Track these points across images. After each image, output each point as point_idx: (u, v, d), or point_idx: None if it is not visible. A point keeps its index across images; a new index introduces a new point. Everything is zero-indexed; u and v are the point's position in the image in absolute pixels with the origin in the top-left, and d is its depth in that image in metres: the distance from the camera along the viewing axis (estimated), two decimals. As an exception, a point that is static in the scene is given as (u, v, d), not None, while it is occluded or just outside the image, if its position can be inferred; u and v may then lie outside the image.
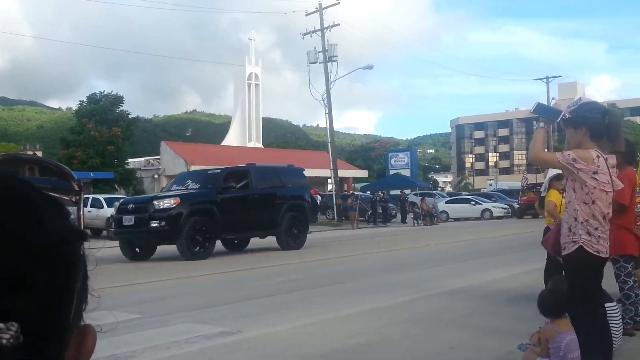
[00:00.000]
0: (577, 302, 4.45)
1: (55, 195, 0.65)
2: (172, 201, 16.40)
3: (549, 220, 7.79)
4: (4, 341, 0.50)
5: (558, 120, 4.46)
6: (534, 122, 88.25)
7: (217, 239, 17.23)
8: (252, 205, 17.98)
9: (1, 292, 0.51)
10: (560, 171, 5.27)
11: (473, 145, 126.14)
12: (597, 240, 4.29)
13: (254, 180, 18.39)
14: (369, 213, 37.01)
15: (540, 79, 64.13)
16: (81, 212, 0.67)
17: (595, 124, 4.38)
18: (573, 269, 4.41)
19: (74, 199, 0.70)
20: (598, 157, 4.30)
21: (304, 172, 21.52)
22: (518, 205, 41.27)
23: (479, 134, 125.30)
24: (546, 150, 4.89)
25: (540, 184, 40.25)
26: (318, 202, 40.70)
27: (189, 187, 17.64)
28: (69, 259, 0.58)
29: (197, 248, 16.29)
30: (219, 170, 18.79)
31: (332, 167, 38.49)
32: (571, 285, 4.51)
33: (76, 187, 0.71)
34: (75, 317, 0.62)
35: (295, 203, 19.32)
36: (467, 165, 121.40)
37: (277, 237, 18.90)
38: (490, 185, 69.66)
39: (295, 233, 19.22)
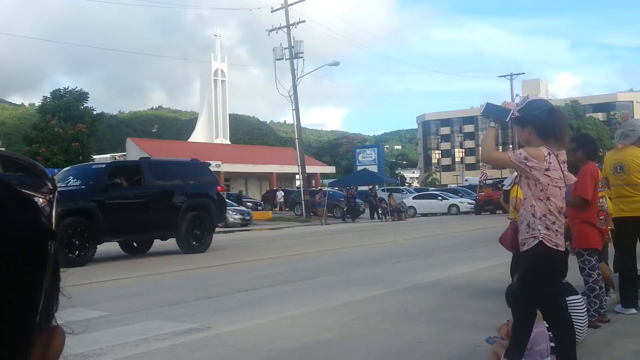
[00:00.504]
0: (526, 297, 4.53)
1: (28, 192, 0.63)
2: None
3: (514, 214, 7.88)
4: None
5: (507, 119, 4.56)
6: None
7: (99, 243, 15.36)
8: (145, 204, 16.24)
9: None
10: None
11: (439, 141, 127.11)
12: (556, 234, 4.40)
13: (148, 176, 16.59)
14: (344, 209, 37.11)
15: (504, 76, 64.86)
16: (54, 212, 0.68)
17: (541, 122, 4.48)
18: (535, 264, 4.47)
19: (47, 198, 0.69)
20: (549, 154, 4.41)
21: (209, 167, 19.64)
22: (475, 201, 41.40)
23: (445, 130, 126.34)
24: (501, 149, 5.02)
25: (503, 179, 40.59)
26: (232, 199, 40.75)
27: (69, 184, 15.54)
28: (31, 257, 0.55)
29: (75, 253, 14.28)
30: (103, 165, 17.12)
31: (299, 164, 38.51)
32: (523, 280, 4.58)
33: (50, 186, 0.69)
34: (44, 318, 0.59)
35: (198, 201, 17.50)
36: (434, 161, 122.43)
37: (177, 239, 17.20)
38: (466, 180, 70.11)
39: (197, 234, 17.38)
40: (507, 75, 64.02)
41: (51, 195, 0.67)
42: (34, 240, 0.56)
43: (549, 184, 4.37)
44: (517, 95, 64.25)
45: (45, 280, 0.58)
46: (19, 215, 0.56)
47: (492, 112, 4.65)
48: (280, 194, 43.29)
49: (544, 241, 4.36)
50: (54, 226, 0.65)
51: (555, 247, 4.39)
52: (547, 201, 4.38)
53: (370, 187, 39.84)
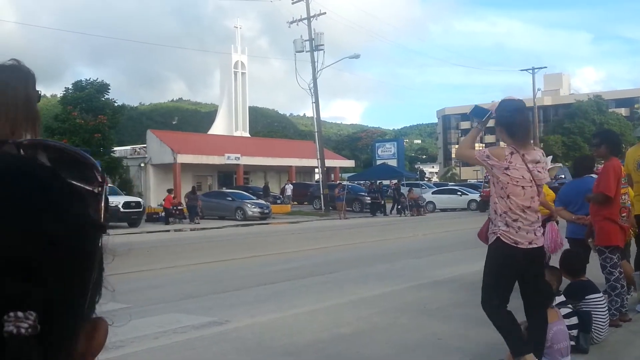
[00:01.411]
0: (483, 290, 4.72)
1: (78, 184, 0.64)
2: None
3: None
4: (22, 330, 0.49)
5: (484, 119, 4.81)
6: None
7: None
8: None
9: (14, 277, 0.50)
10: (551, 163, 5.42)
11: (459, 135, 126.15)
12: (517, 231, 4.50)
13: None
14: (369, 203, 36.85)
15: (526, 70, 64.20)
16: (102, 204, 0.68)
17: (508, 122, 4.60)
18: (491, 258, 4.66)
19: (96, 190, 0.68)
20: (511, 153, 4.53)
21: None
22: (480, 198, 38.84)
23: (465, 125, 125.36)
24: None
25: None
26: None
27: None
28: (84, 250, 0.57)
29: None
30: None
31: (319, 157, 38.46)
32: (484, 275, 4.75)
33: (99, 179, 0.69)
34: (89, 309, 0.60)
35: None
36: (454, 155, 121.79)
37: None
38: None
39: None
40: (529, 69, 63.46)
41: (100, 188, 0.67)
42: (86, 234, 0.57)
43: (508, 183, 4.50)
44: (538, 89, 63.92)
45: (94, 272, 0.59)
46: (70, 208, 0.56)
47: (475, 114, 4.95)
48: (289, 187, 42.82)
49: (501, 237, 4.52)
50: (102, 219, 0.66)
51: (513, 244, 4.50)
52: (508, 199, 4.51)
53: (395, 182, 39.60)
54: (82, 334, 0.59)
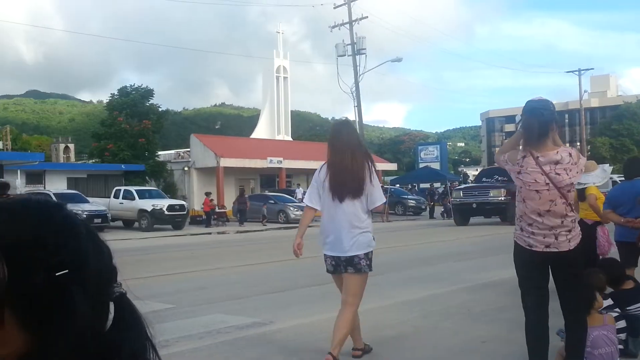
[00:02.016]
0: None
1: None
2: None
3: (586, 213, 7.65)
4: (124, 291, 0.84)
5: (517, 122, 4.74)
6: (566, 115, 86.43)
7: None
8: None
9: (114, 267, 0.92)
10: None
11: (504, 138, 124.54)
12: (529, 235, 4.48)
13: None
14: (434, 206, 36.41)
15: (572, 72, 63.22)
16: None
17: (522, 123, 4.60)
18: (514, 261, 4.73)
19: None
20: (523, 157, 4.47)
21: None
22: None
23: (510, 127, 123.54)
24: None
25: None
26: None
27: None
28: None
29: None
30: None
31: (361, 160, 38.34)
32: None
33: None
34: None
35: None
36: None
37: None
38: None
39: None
40: (575, 71, 62.44)
41: None
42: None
43: (521, 187, 4.50)
44: (585, 91, 62.77)
45: None
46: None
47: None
48: (299, 191, 41.19)
49: (516, 240, 4.59)
50: None
51: (527, 247, 4.51)
52: (524, 203, 4.51)
53: (450, 184, 39.15)
54: None
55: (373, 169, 5.50)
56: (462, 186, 30.07)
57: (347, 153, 5.40)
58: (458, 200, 27.43)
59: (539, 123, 4.42)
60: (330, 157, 5.54)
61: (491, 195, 25.78)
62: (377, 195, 5.47)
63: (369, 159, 5.52)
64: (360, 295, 5.52)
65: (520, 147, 4.57)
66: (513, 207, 23.12)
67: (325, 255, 5.76)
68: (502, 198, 25.14)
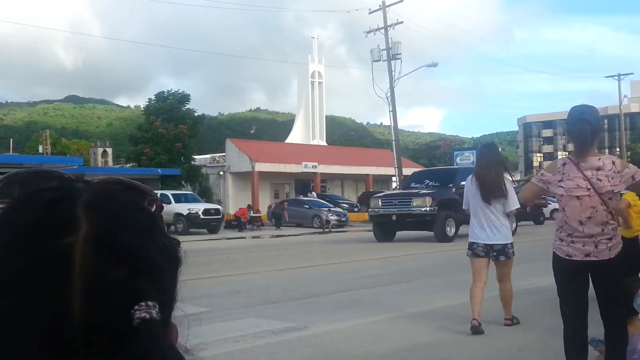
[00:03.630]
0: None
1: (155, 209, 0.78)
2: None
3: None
4: (154, 315, 0.60)
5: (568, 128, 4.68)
6: (605, 121, 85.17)
7: None
8: None
9: (140, 276, 0.63)
10: None
11: (541, 143, 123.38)
12: (568, 244, 4.45)
13: None
14: None
15: (611, 76, 62.20)
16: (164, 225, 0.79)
17: (567, 131, 4.64)
18: (553, 271, 4.70)
19: (159, 214, 0.80)
20: (564, 164, 4.49)
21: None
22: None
23: (547, 133, 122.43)
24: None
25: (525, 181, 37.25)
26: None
27: None
28: (180, 257, 0.73)
29: None
30: None
31: (396, 166, 38.30)
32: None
33: (158, 203, 0.79)
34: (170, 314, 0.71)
35: None
36: (535, 164, 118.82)
37: None
38: None
39: None
40: (615, 76, 61.43)
41: (160, 212, 0.83)
42: (178, 245, 0.73)
43: (562, 195, 4.47)
44: (625, 96, 61.69)
45: (179, 278, 0.73)
46: (164, 227, 0.72)
47: None
48: (313, 196, 39.86)
49: (555, 251, 4.57)
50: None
51: (567, 257, 4.48)
52: (563, 212, 4.48)
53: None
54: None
55: (509, 181, 7.01)
56: (381, 194, 25.00)
57: (491, 169, 6.86)
58: (377, 211, 22.31)
59: (591, 131, 4.43)
60: (478, 170, 7.02)
61: (414, 205, 21.05)
62: (512, 202, 6.90)
63: (506, 173, 7.07)
64: (510, 274, 7.20)
65: (561, 154, 4.58)
66: (442, 218, 22.43)
67: (475, 243, 7.12)
68: (428, 208, 20.66)
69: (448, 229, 20.68)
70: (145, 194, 0.76)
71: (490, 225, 6.93)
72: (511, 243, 7.08)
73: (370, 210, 23.27)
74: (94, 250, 0.62)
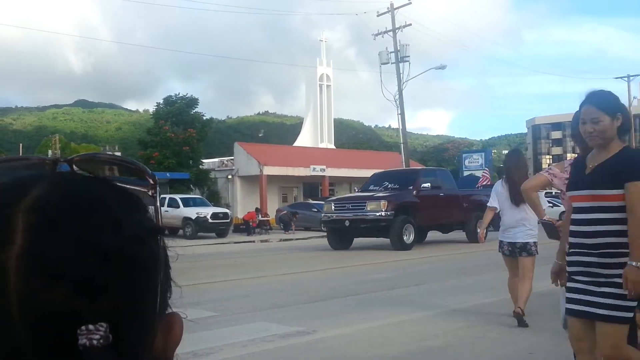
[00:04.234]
0: None
1: (135, 190, 0.67)
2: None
3: None
4: (95, 342, 0.52)
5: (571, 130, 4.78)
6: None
7: None
8: None
9: (78, 293, 0.52)
10: None
11: (550, 145, 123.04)
12: None
13: None
14: None
15: (621, 78, 61.94)
16: (158, 204, 0.69)
17: (572, 132, 4.57)
18: None
19: (150, 193, 0.72)
20: (571, 164, 4.49)
21: None
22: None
23: (556, 135, 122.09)
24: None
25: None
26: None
27: None
28: (143, 257, 0.59)
29: None
30: None
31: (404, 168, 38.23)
32: None
33: (151, 181, 0.71)
34: (161, 307, 0.63)
35: None
36: (544, 166, 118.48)
37: None
38: None
39: None
40: (624, 77, 61.19)
41: (153, 190, 0.71)
42: (142, 241, 0.59)
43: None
44: (634, 97, 61.43)
45: (160, 273, 0.62)
46: (132, 220, 0.59)
47: None
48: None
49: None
50: (160, 220, 0.69)
51: None
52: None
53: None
54: (159, 331, 0.62)
55: None
56: (335, 197, 23.31)
57: (522, 172, 7.52)
58: (329, 216, 20.49)
59: None
60: (507, 175, 7.73)
61: (368, 209, 19.29)
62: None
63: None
64: (532, 270, 7.63)
65: (570, 155, 4.58)
66: (399, 224, 21.66)
67: (502, 241, 7.70)
68: (383, 213, 18.97)
69: (406, 236, 19.15)
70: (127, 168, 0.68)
71: (516, 224, 7.48)
72: (534, 242, 7.55)
73: (322, 215, 21.65)
74: (28, 268, 0.52)
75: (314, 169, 43.43)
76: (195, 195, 35.10)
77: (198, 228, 28.89)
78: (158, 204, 0.70)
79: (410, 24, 39.22)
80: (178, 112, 39.23)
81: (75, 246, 0.54)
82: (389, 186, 20.65)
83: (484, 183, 36.77)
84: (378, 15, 39.96)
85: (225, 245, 24.57)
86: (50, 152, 70.72)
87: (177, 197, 31.18)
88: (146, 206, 0.65)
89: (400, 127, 39.11)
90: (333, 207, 20.50)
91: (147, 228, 0.61)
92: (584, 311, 3.66)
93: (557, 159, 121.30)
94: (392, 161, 50.53)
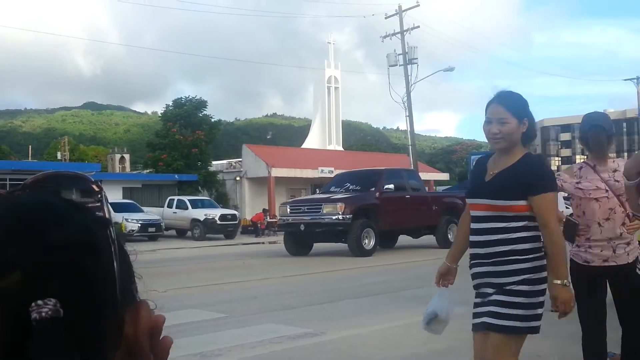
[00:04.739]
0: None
1: (79, 200, 0.76)
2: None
3: None
4: (43, 314, 0.58)
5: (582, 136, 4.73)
6: (624, 124, 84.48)
7: None
8: None
9: (28, 280, 0.59)
10: None
11: (559, 147, 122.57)
12: (586, 250, 4.44)
13: None
14: None
15: (630, 79, 61.67)
16: (105, 207, 0.78)
17: (581, 137, 4.65)
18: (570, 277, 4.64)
19: (96, 198, 0.80)
20: (581, 168, 4.53)
21: None
22: None
23: (565, 136, 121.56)
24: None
25: None
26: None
27: None
28: (88, 244, 0.65)
29: None
30: None
31: (412, 170, 38.19)
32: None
33: (96, 188, 0.80)
34: (126, 296, 0.68)
35: None
36: (554, 168, 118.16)
37: None
38: None
39: None
40: (633, 79, 60.92)
41: (99, 196, 0.80)
42: (87, 229, 0.66)
43: (581, 198, 4.44)
44: None
45: (113, 262, 0.67)
46: (76, 218, 0.66)
47: None
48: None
49: (573, 258, 4.51)
50: (108, 215, 0.77)
51: (584, 264, 4.46)
52: (583, 216, 4.45)
53: None
54: (128, 318, 0.68)
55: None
56: (291, 200, 22.05)
57: None
58: (285, 219, 19.13)
59: (606, 136, 4.52)
60: None
61: (324, 212, 17.90)
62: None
63: None
64: None
65: (580, 157, 4.62)
66: (357, 229, 19.08)
67: None
68: (340, 216, 17.60)
69: (366, 241, 17.81)
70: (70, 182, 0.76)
71: None
72: None
73: (278, 218, 20.76)
74: None
75: (322, 170, 43.42)
76: (203, 197, 35.16)
77: (206, 230, 28.95)
78: (106, 206, 0.79)
79: (419, 26, 39.20)
80: (186, 114, 39.33)
81: (20, 238, 0.61)
82: (350, 187, 19.30)
83: None
84: (386, 18, 39.95)
85: (234, 247, 24.61)
86: (59, 154, 71.08)
87: (186, 198, 31.26)
88: (91, 208, 0.71)
89: (409, 129, 39.09)
90: (288, 209, 19.13)
91: (90, 219, 0.68)
92: (478, 323, 3.49)
93: (566, 161, 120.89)
94: (400, 163, 50.48)
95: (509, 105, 3.37)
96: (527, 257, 3.27)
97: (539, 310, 3.35)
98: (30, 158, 75.10)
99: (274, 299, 9.91)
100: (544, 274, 3.30)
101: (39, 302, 0.58)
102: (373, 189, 18.79)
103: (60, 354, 0.59)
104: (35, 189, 0.76)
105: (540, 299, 3.32)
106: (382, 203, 18.55)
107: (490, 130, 3.36)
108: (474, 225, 3.47)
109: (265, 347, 6.62)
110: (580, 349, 4.64)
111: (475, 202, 3.43)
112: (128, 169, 62.89)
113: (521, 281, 3.25)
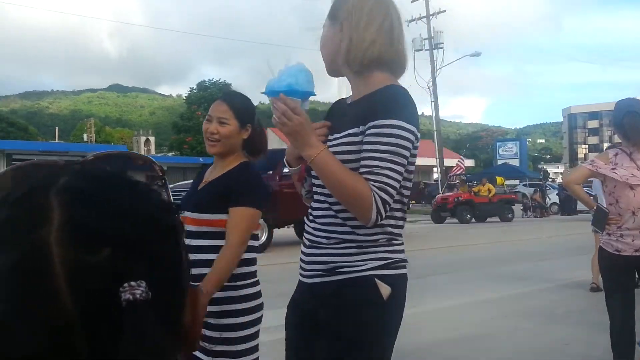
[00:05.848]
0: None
1: (147, 181, 0.74)
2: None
3: None
4: (137, 296, 0.57)
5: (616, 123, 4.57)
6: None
7: None
8: None
9: (122, 256, 0.59)
10: None
11: (587, 135, 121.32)
12: (617, 239, 4.33)
13: None
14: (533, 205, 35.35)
15: (661, 66, 60.57)
16: (168, 190, 0.77)
17: (616, 124, 4.43)
18: (600, 267, 4.59)
19: (161, 182, 0.80)
20: (616, 154, 4.38)
21: None
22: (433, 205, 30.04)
23: (593, 124, 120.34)
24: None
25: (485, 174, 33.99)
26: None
27: None
28: (170, 224, 0.66)
29: None
30: None
31: (437, 156, 37.96)
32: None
33: (160, 172, 0.81)
34: (186, 281, 0.68)
35: None
36: (580, 156, 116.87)
37: None
38: None
39: None
40: (664, 66, 59.79)
41: (163, 180, 0.79)
42: (169, 213, 0.67)
43: (615, 185, 4.32)
44: None
45: (182, 246, 0.68)
46: (153, 198, 0.67)
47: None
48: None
49: (603, 246, 4.43)
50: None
51: (615, 252, 4.35)
52: (616, 204, 4.33)
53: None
54: (186, 304, 0.67)
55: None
56: (172, 185, 20.22)
57: None
58: None
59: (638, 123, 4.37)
60: None
61: None
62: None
63: None
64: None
65: (618, 148, 4.43)
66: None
67: None
68: None
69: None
70: (135, 162, 0.71)
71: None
72: None
73: None
74: (70, 238, 0.58)
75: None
76: (227, 180, 35.25)
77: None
78: (168, 190, 0.77)
79: (445, 11, 38.83)
80: (211, 97, 39.40)
81: (109, 214, 0.61)
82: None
83: (457, 172, 35.98)
84: (412, 2, 39.60)
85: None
86: (85, 135, 71.74)
87: (210, 181, 31.38)
88: (158, 191, 0.70)
89: (434, 115, 38.81)
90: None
91: (170, 203, 0.68)
92: None
93: (594, 148, 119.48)
94: (425, 149, 50.17)
95: (233, 105, 3.04)
96: (235, 283, 2.90)
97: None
98: (57, 139, 75.86)
99: (271, 287, 9.85)
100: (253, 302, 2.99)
101: (132, 283, 0.58)
102: (271, 172, 14.92)
103: (151, 338, 0.58)
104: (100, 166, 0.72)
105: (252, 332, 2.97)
106: (282, 189, 14.29)
107: (209, 129, 2.99)
108: (187, 242, 3.03)
109: (271, 335, 6.56)
110: (608, 337, 4.53)
111: (183, 215, 2.94)
112: (153, 152, 63.17)
113: (224, 313, 2.86)
